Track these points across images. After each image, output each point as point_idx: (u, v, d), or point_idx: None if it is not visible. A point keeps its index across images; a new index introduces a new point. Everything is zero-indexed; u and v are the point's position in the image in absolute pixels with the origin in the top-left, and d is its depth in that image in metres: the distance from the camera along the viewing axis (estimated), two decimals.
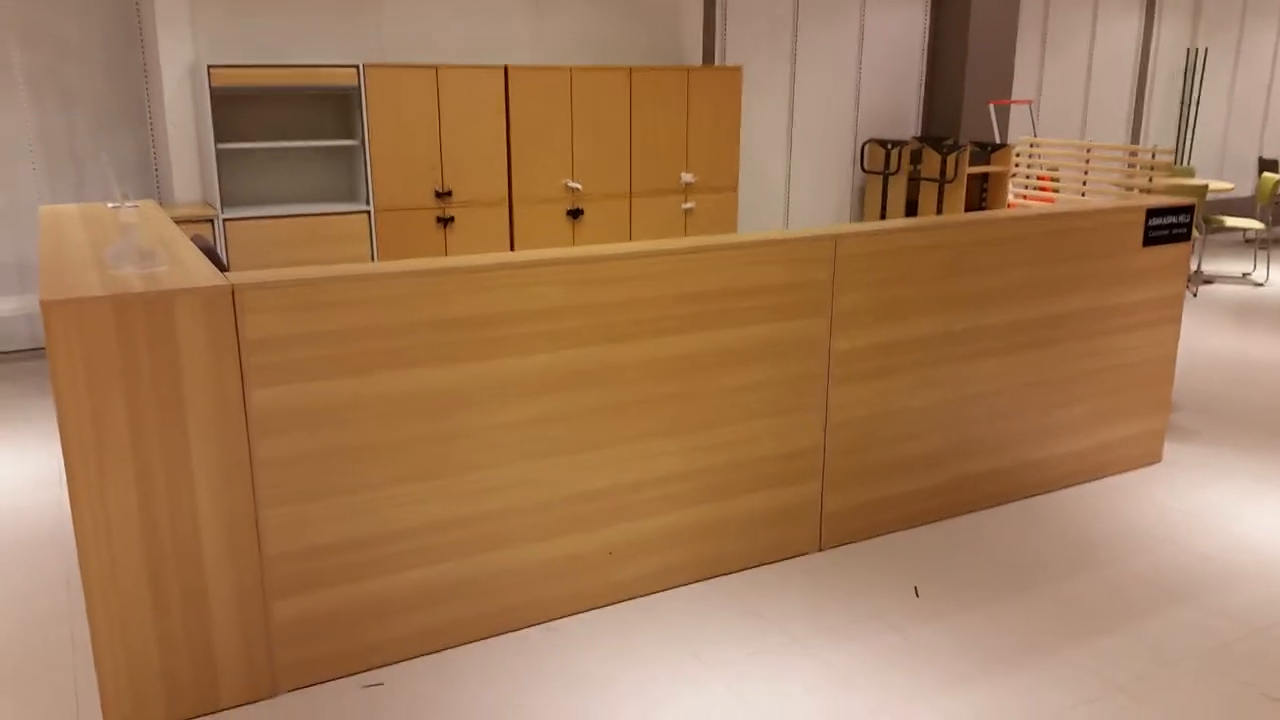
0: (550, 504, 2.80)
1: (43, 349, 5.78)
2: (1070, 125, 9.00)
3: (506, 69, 5.73)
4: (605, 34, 6.62)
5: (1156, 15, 9.26)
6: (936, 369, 3.39)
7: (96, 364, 2.20)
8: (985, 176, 7.31)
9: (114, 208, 3.60)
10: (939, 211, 7.09)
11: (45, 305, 2.14)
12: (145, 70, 5.63)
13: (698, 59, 6.96)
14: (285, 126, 5.70)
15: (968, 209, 7.17)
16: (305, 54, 5.77)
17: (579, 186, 6.09)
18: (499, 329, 2.61)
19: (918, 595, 3.03)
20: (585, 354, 2.75)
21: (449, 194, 5.73)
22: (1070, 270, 3.60)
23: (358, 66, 5.37)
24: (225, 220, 5.21)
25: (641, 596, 3.01)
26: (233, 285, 2.30)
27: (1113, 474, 3.97)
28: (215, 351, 2.30)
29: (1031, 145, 6.10)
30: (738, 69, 6.43)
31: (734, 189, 6.58)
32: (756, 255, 2.96)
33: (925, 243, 3.24)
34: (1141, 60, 9.26)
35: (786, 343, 3.07)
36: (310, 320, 2.39)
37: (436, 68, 5.55)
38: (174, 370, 2.27)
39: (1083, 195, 5.62)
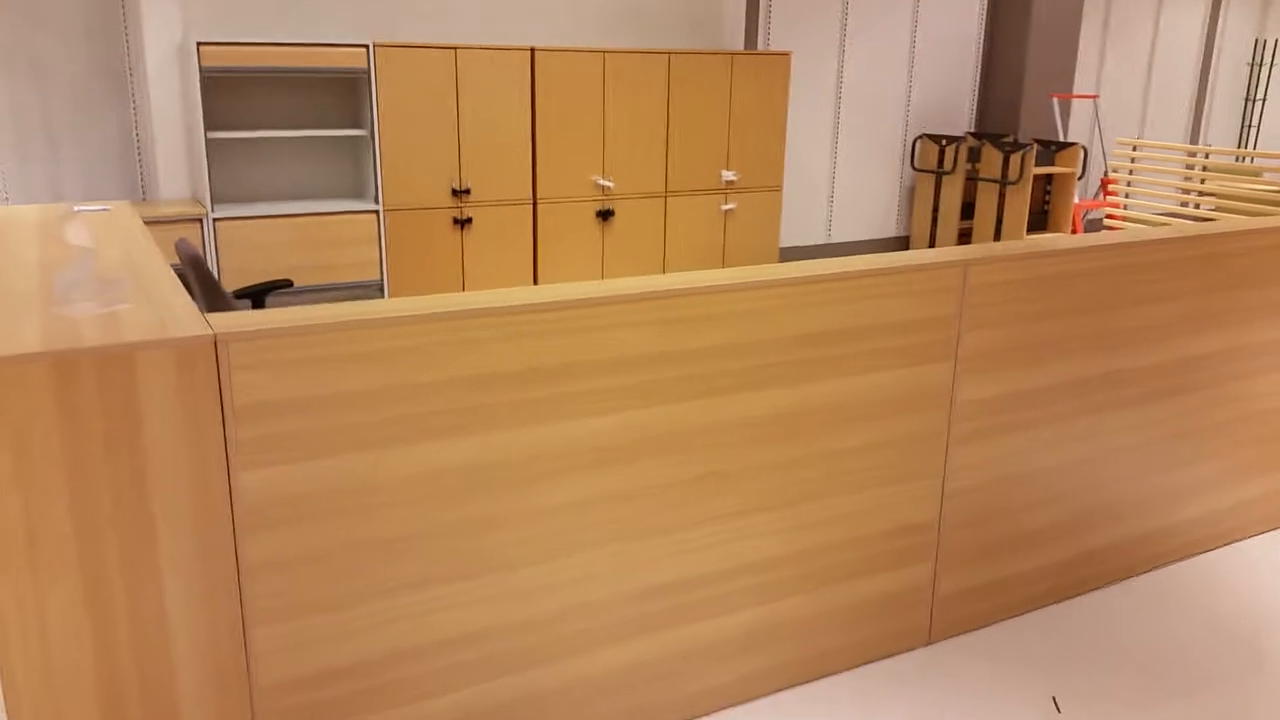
0: (612, 603, 2.22)
1: None
2: (1129, 122, 8.41)
3: (533, 51, 5.12)
4: (640, 13, 6.00)
5: (1223, 4, 8.66)
6: (1071, 422, 2.81)
7: (29, 442, 1.61)
8: (1049, 178, 6.72)
9: (80, 211, 3.00)
10: (1000, 217, 6.49)
11: None
12: (128, 45, 5.01)
13: (739, 42, 6.35)
14: (284, 114, 5.09)
15: (1032, 214, 6.59)
16: (308, 32, 5.16)
17: (610, 184, 5.49)
18: (550, 386, 2.03)
19: (1059, 710, 2.46)
20: (660, 415, 2.17)
21: (467, 192, 5.13)
22: (1221, 302, 3.03)
23: (367, 46, 4.76)
24: (215, 220, 4.61)
25: (720, 711, 2.44)
26: (216, 334, 1.72)
27: (1251, 537, 3.41)
28: (192, 422, 1.72)
29: (1134, 149, 5.50)
30: (785, 55, 5.82)
31: (778, 188, 5.98)
32: (874, 287, 2.37)
33: (1070, 269, 2.66)
34: (1205, 52, 8.66)
35: (903, 394, 2.49)
36: (316, 379, 1.80)
37: (455, 48, 4.94)
38: (135, 448, 1.68)
39: (1195, 207, 5.04)
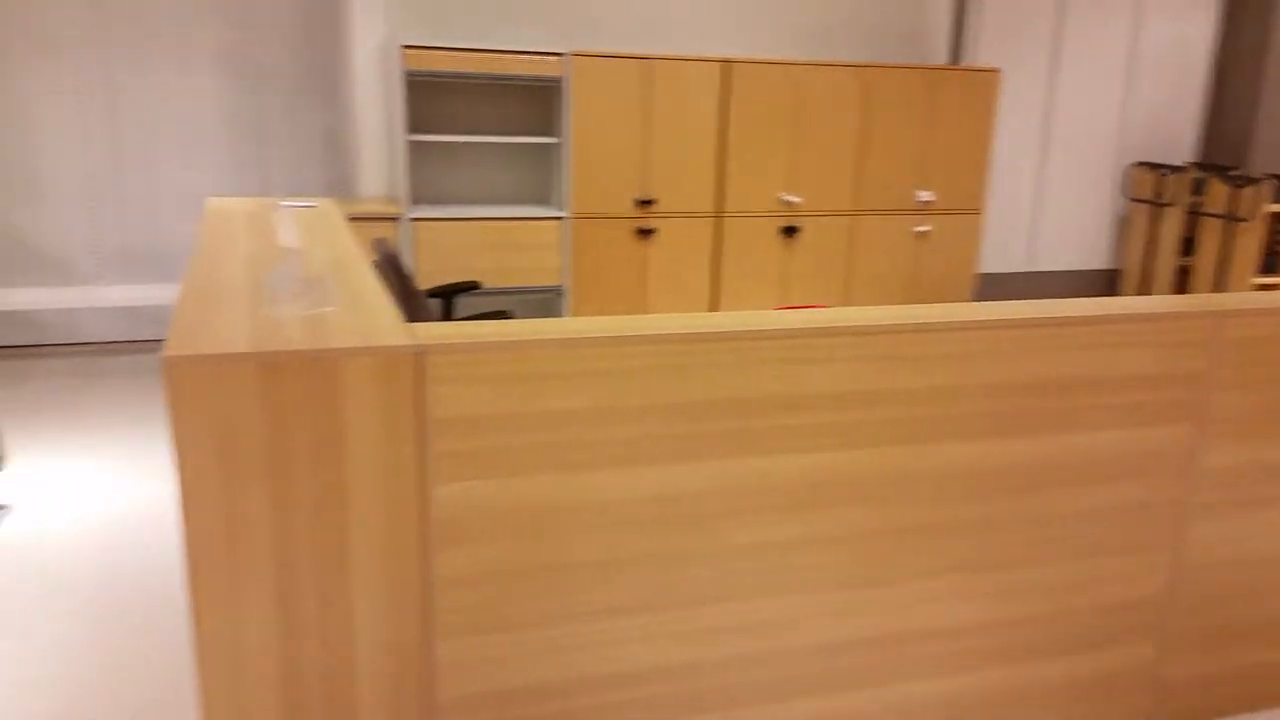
0: (798, 654, 2.07)
1: None
2: None
3: (725, 63, 5.01)
4: (837, 26, 5.80)
5: None
6: None
7: (234, 440, 1.61)
8: None
9: (288, 207, 3.09)
10: (1225, 257, 5.91)
11: (170, 361, 1.56)
12: (338, 48, 5.23)
13: (941, 54, 6.05)
14: (479, 119, 5.18)
15: (1264, 256, 5.96)
16: (508, 39, 5.23)
17: (798, 201, 5.31)
18: (752, 418, 1.89)
19: None
20: (861, 459, 1.99)
21: (652, 202, 5.07)
22: None
23: (564, 55, 4.77)
24: (411, 220, 4.72)
25: None
26: (419, 346, 1.67)
27: None
28: (391, 432, 1.68)
29: None
30: (994, 72, 5.49)
31: (978, 211, 5.65)
32: (1109, 335, 2.12)
33: None
34: None
35: (1134, 456, 2.22)
36: (517, 397, 1.73)
37: (649, 59, 4.89)
38: (335, 454, 1.66)
39: None
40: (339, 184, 5.40)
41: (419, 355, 1.66)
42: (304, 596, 1.71)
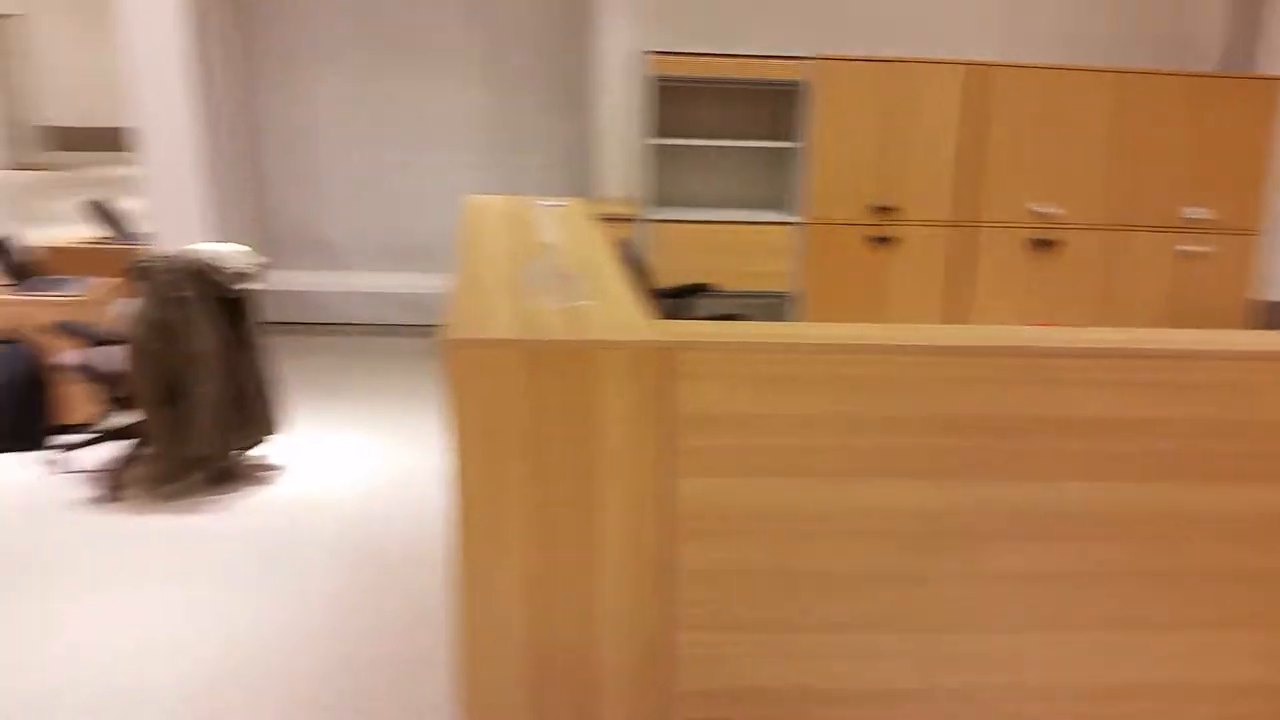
0: (1051, 693, 1.96)
1: None
2: None
3: (975, 67, 4.82)
4: (1097, 29, 5.44)
5: None
6: None
7: (497, 421, 1.73)
8: None
9: (541, 206, 3.27)
10: None
11: (451, 344, 1.69)
12: (587, 55, 5.45)
13: (1210, 60, 5.53)
14: (720, 123, 5.25)
15: None
16: (751, 43, 5.27)
17: (1053, 212, 5.03)
18: (1017, 440, 1.82)
19: None
20: (1140, 492, 1.87)
21: (890, 209, 4.95)
22: None
23: (808, 59, 4.75)
24: (651, 221, 4.86)
25: None
26: (669, 342, 1.73)
27: None
28: (642, 424, 1.75)
29: None
30: (1275, 80, 4.97)
31: (1255, 232, 5.13)
32: None
33: None
34: None
35: None
36: (766, 398, 1.75)
37: (895, 62, 4.79)
38: (589, 442, 1.75)
39: None
40: (580, 185, 5.64)
41: (671, 351, 1.72)
42: (553, 575, 1.81)
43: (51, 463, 3.71)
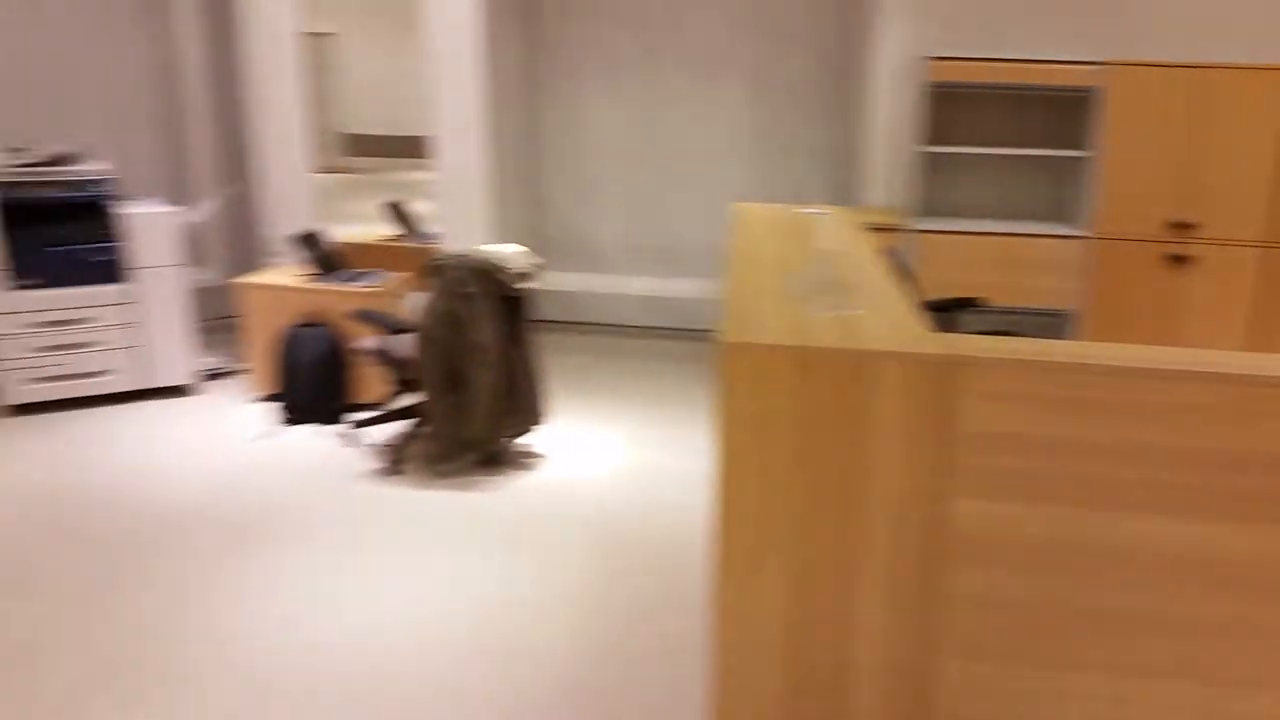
0: None
1: (713, 332, 5.94)
2: None
3: None
4: None
5: None
6: None
7: (767, 424, 1.72)
8: None
9: (803, 213, 3.24)
10: None
11: (726, 347, 1.71)
12: (861, 62, 5.35)
13: None
14: (997, 130, 4.98)
15: None
16: (1036, 48, 4.96)
17: None
18: None
19: None
20: None
21: (1191, 226, 4.50)
22: None
23: (1100, 64, 4.41)
24: (919, 231, 4.69)
25: None
26: (955, 357, 1.65)
27: None
28: (915, 438, 1.68)
29: None
30: None
31: None
32: None
33: None
34: None
35: None
36: (1062, 421, 1.64)
37: (1200, 68, 4.34)
38: (860, 451, 1.70)
39: None
40: (843, 193, 5.54)
41: (954, 366, 1.65)
42: (813, 584, 1.78)
43: (344, 436, 4.10)
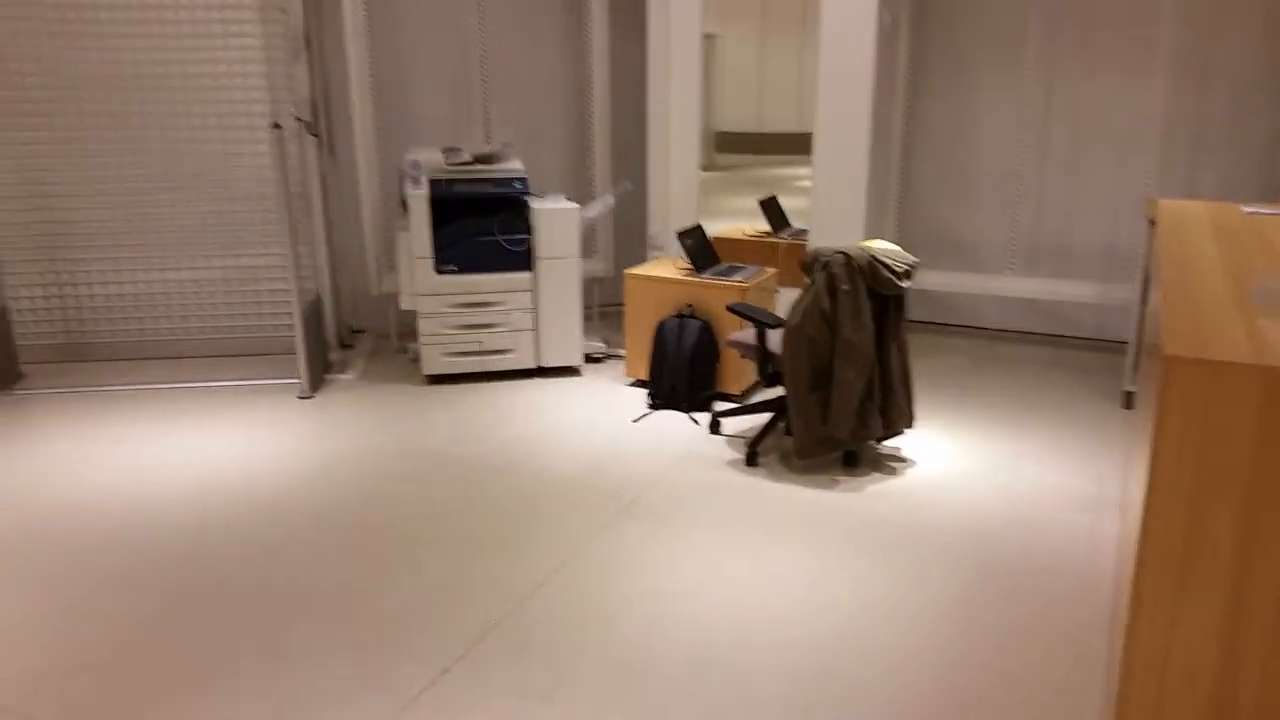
0: None
1: (1105, 341, 5.42)
2: None
3: None
4: None
5: None
6: None
7: (1214, 453, 1.52)
8: None
9: (1250, 213, 2.82)
10: None
11: (1169, 361, 1.53)
12: None
13: None
14: None
15: None
16: None
17: None
18: None
19: None
20: None
21: None
22: None
23: None
24: None
25: None
26: None
27: None
28: None
29: None
30: None
31: None
32: None
33: None
34: None
35: None
36: None
37: None
38: None
39: None
40: (1274, 191, 4.80)
41: None
42: (1249, 642, 1.55)
43: (710, 423, 4.24)
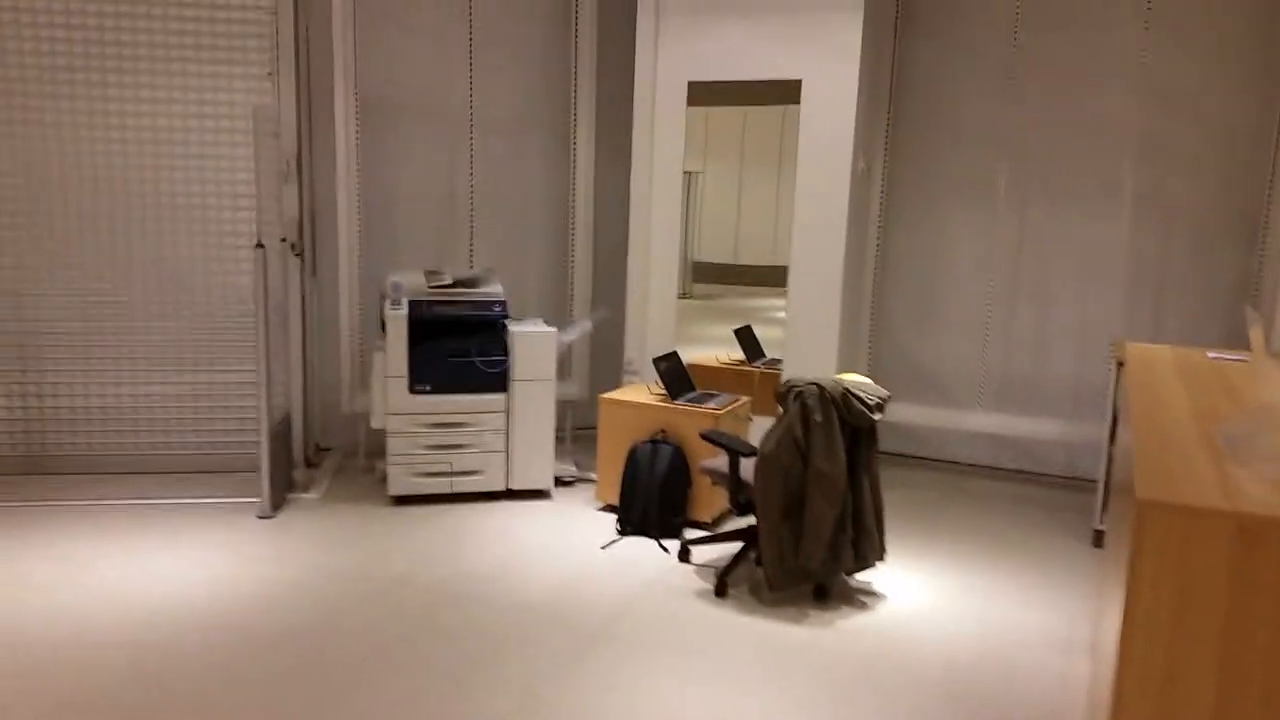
0: None
1: (1075, 480, 5.44)
2: None
3: None
4: None
5: None
6: None
7: (1193, 597, 1.51)
8: None
9: (1214, 359, 2.89)
10: None
11: (1142, 505, 1.53)
12: (1269, 192, 4.81)
13: None
14: None
15: None
16: None
17: None
18: None
19: None
20: None
21: None
22: None
23: None
24: None
25: None
26: None
27: None
28: None
29: None
30: None
31: None
32: None
33: None
34: None
35: None
36: None
37: None
38: None
39: None
40: (1235, 337, 4.93)
41: None
42: None
43: (679, 551, 4.17)
